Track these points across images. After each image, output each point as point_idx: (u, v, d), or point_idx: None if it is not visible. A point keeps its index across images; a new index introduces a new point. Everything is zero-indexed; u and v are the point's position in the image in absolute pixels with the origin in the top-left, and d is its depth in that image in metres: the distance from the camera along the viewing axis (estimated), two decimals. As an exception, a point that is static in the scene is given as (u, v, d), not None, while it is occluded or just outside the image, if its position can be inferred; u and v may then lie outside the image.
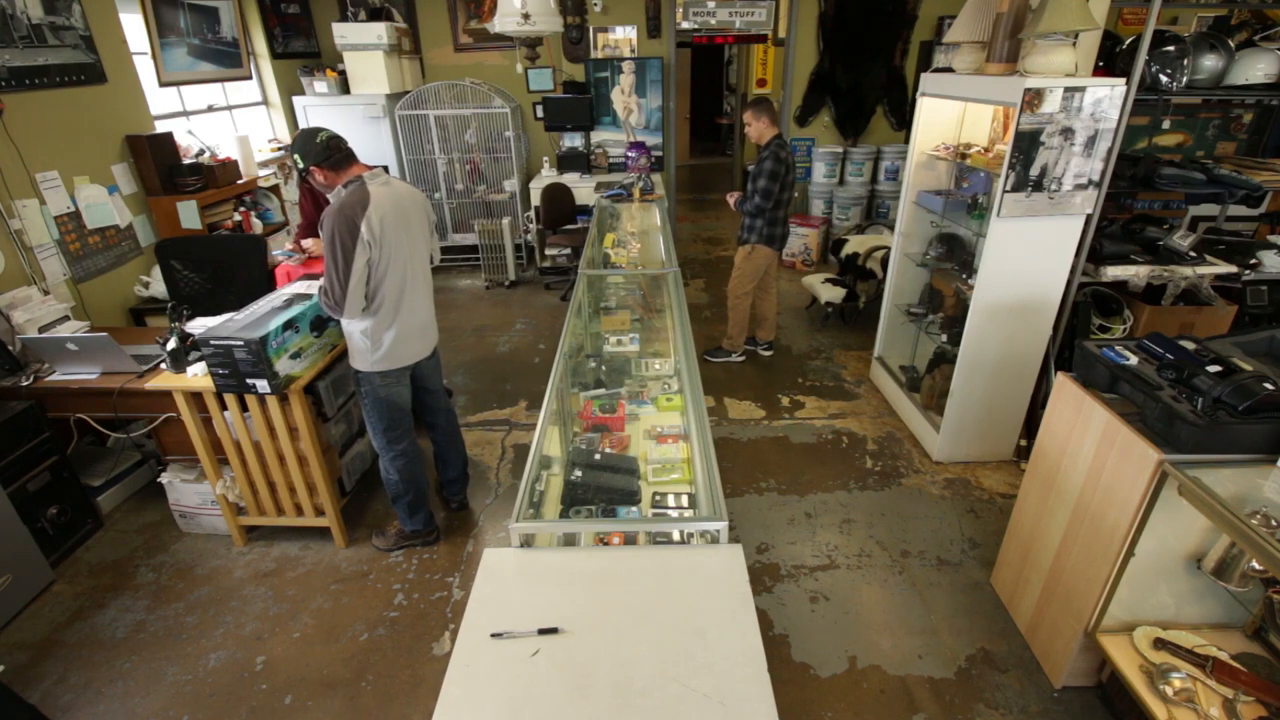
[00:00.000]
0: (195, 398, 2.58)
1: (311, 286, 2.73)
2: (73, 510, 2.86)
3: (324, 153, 2.24)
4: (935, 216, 3.51)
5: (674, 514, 1.87)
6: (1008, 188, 2.67)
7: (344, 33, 5.42)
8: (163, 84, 4.28)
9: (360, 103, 5.63)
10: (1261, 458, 1.71)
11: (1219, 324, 3.03)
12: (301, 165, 2.28)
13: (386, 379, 2.51)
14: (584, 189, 5.82)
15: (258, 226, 4.47)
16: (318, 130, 2.28)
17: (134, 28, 3.97)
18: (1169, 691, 1.82)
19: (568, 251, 5.68)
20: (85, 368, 2.75)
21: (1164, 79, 2.80)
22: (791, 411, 3.85)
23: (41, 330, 2.98)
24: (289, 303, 2.59)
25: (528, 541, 1.63)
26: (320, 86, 5.61)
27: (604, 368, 2.71)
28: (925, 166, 3.55)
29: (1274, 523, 1.56)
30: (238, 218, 4.32)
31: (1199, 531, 1.90)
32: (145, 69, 4.07)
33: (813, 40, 6.00)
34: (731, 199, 4.14)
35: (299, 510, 2.81)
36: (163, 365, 2.62)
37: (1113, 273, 2.95)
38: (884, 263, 4.23)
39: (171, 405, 2.61)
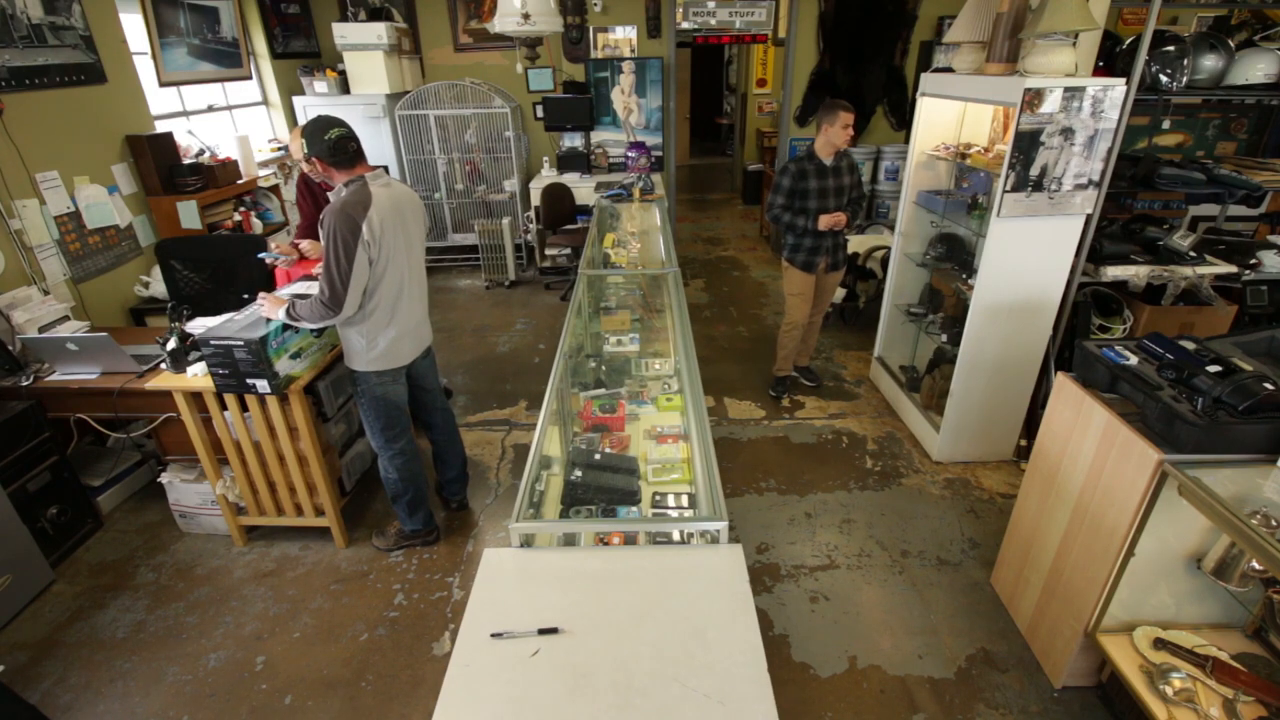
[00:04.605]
0: (195, 398, 2.58)
1: (312, 287, 2.73)
2: (73, 510, 2.86)
3: (328, 151, 2.23)
4: (935, 216, 3.51)
5: (674, 514, 1.87)
6: (1008, 188, 2.67)
7: (344, 33, 5.42)
8: (163, 84, 4.28)
9: (360, 103, 5.62)
10: (1261, 458, 1.70)
11: (1219, 324, 3.03)
12: (306, 151, 2.27)
13: (382, 378, 2.51)
14: (584, 189, 5.81)
15: (258, 226, 4.47)
16: (330, 125, 2.23)
17: (134, 28, 3.97)
18: (1169, 691, 1.82)
19: (568, 251, 5.68)
20: (85, 368, 2.75)
21: (1164, 79, 2.80)
22: (791, 411, 3.85)
23: (41, 330, 2.98)
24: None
25: (528, 541, 1.63)
26: (320, 86, 5.61)
27: (604, 368, 2.71)
28: (925, 166, 3.55)
29: (1274, 523, 1.56)
30: (238, 218, 4.32)
31: (1199, 531, 1.90)
32: (145, 69, 4.07)
33: (813, 40, 5.99)
34: (839, 219, 3.41)
35: (299, 510, 2.81)
36: (163, 365, 2.62)
37: (1113, 273, 2.95)
38: (884, 263, 4.22)
39: (171, 405, 2.61)
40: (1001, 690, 2.18)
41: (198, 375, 2.52)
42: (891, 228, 4.73)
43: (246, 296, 2.70)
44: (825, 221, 3.40)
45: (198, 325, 2.70)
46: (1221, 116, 3.95)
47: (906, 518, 2.96)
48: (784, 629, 2.42)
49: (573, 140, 6.22)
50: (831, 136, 3.36)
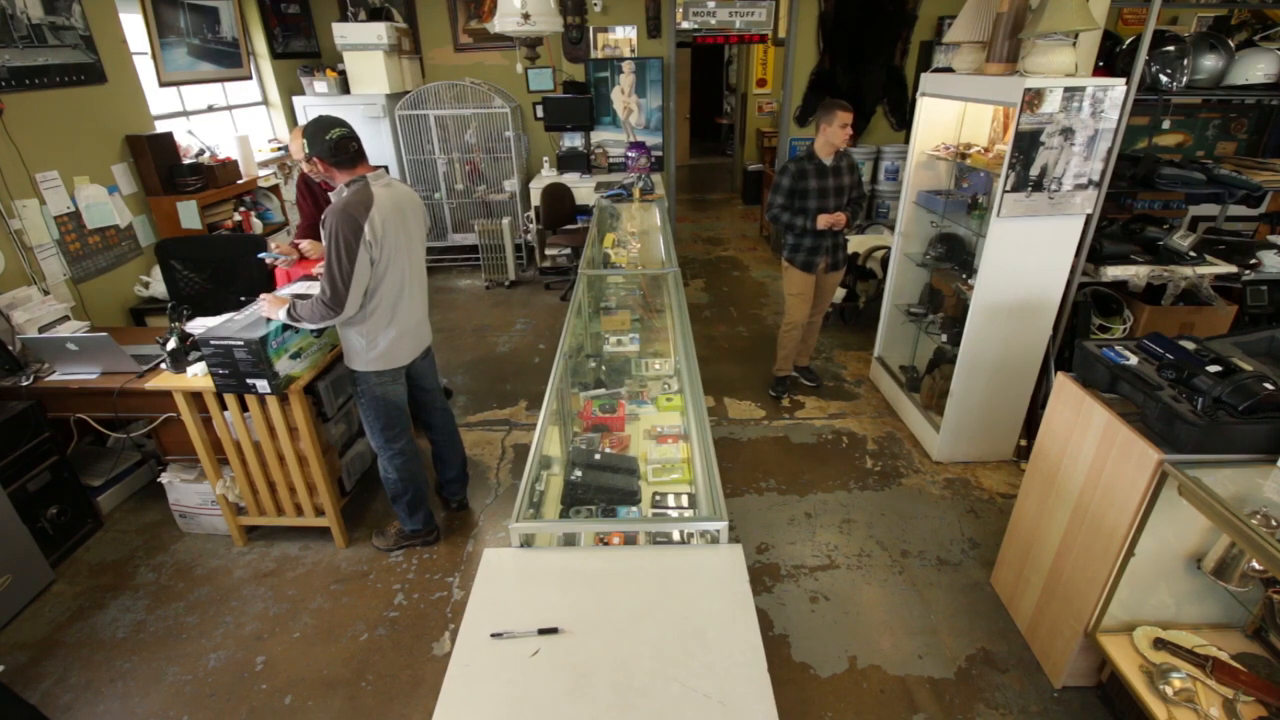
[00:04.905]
0: (195, 398, 2.58)
1: (312, 287, 2.73)
2: (73, 510, 2.86)
3: (330, 151, 2.23)
4: (935, 216, 3.51)
5: (674, 514, 1.87)
6: (1008, 188, 2.67)
7: (344, 33, 5.42)
8: (163, 84, 4.28)
9: (360, 103, 5.62)
10: (1261, 458, 1.71)
11: (1219, 324, 3.03)
12: (307, 151, 2.27)
13: (382, 378, 2.52)
14: (584, 189, 5.81)
15: (258, 226, 4.47)
16: (331, 125, 2.23)
17: (134, 28, 3.96)
18: (1169, 691, 1.82)
19: (568, 251, 5.68)
20: (85, 368, 2.75)
21: (1164, 79, 2.80)
22: (791, 411, 3.85)
23: (41, 330, 2.98)
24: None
25: (528, 541, 1.63)
26: (320, 86, 5.61)
27: (604, 368, 2.71)
28: (925, 166, 3.55)
29: (1274, 523, 1.56)
30: (238, 218, 4.32)
31: (1199, 531, 1.90)
32: (145, 69, 4.07)
33: (813, 40, 5.99)
34: (838, 219, 3.41)
35: (299, 510, 2.81)
36: (163, 365, 2.62)
37: (1113, 273, 2.95)
38: (884, 263, 4.22)
39: (171, 405, 2.61)
40: (1001, 690, 2.18)
41: (198, 375, 2.52)
42: (891, 228, 4.73)
43: (244, 299, 2.70)
44: (824, 221, 3.40)
45: (198, 325, 2.70)
46: (1221, 116, 3.95)
47: (906, 518, 2.96)
48: (784, 629, 2.42)
49: (573, 140, 6.22)
50: (830, 136, 3.36)
